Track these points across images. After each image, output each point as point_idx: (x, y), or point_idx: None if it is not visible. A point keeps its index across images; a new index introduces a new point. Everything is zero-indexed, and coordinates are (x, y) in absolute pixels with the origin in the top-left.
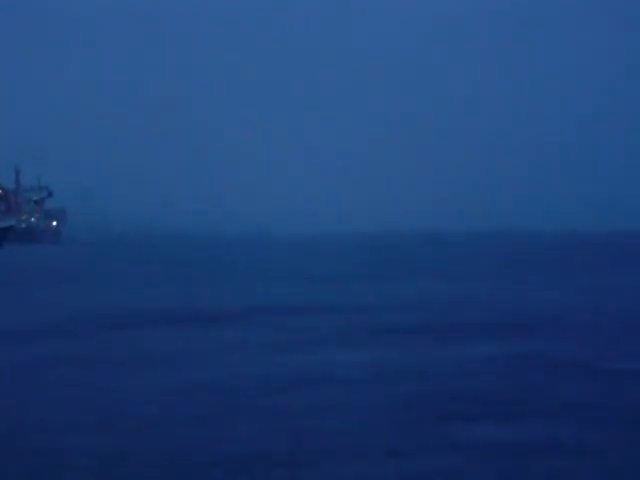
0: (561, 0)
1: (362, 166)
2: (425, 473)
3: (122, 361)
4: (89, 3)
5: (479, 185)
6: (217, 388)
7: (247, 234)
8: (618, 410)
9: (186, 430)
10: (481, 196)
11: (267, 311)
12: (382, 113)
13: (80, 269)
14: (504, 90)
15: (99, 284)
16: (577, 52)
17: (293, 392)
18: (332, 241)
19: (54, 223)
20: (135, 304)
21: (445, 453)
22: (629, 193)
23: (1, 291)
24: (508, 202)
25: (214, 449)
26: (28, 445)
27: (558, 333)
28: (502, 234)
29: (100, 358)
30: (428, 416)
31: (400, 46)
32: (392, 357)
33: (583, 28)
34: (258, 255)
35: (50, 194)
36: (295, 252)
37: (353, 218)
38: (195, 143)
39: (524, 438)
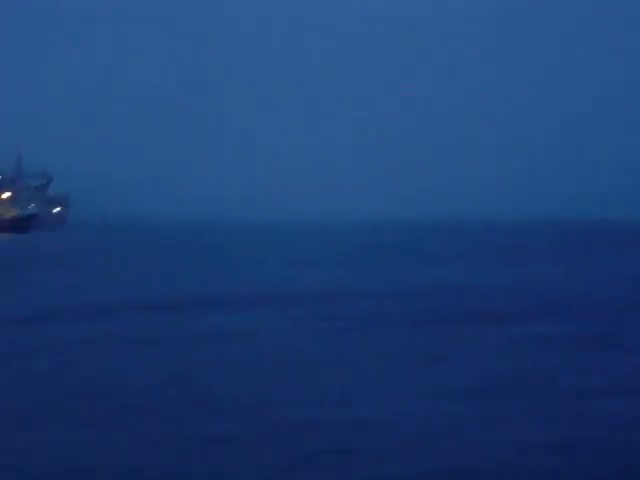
0: None
1: (363, 155)
2: None
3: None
4: None
5: (478, 174)
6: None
7: (251, 221)
8: None
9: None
10: (479, 185)
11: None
12: (379, 101)
13: (89, 257)
14: (502, 80)
15: (117, 271)
16: (577, 47)
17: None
18: (331, 229)
19: (57, 209)
20: (164, 290)
21: None
22: (621, 183)
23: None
24: (508, 192)
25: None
26: None
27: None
28: (497, 224)
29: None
30: None
31: (397, 40)
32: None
33: (582, 21)
34: (259, 242)
35: (50, 180)
36: (299, 239)
37: (350, 206)
38: (190, 132)
39: None
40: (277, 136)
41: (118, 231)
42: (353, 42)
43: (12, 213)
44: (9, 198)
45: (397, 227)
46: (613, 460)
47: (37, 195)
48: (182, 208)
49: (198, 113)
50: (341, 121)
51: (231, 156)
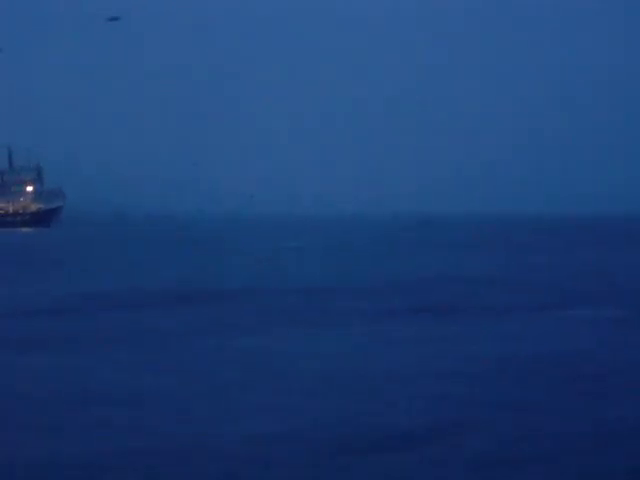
0: None
1: (356, 149)
2: None
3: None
4: None
5: (473, 169)
6: None
7: (240, 214)
8: None
9: None
10: (475, 180)
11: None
12: (373, 96)
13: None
14: (495, 74)
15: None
16: (576, 39)
17: None
18: (329, 223)
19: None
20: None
21: None
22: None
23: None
24: (501, 186)
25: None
26: None
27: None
28: (492, 218)
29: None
30: None
31: (390, 31)
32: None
33: (580, 15)
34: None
35: (39, 173)
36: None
37: (347, 200)
38: (191, 125)
39: None
40: (277, 132)
41: (118, 225)
42: (348, 39)
43: (35, 207)
44: (32, 192)
45: (384, 221)
46: None
47: (28, 190)
48: (180, 203)
49: (194, 106)
50: (334, 115)
51: (231, 150)
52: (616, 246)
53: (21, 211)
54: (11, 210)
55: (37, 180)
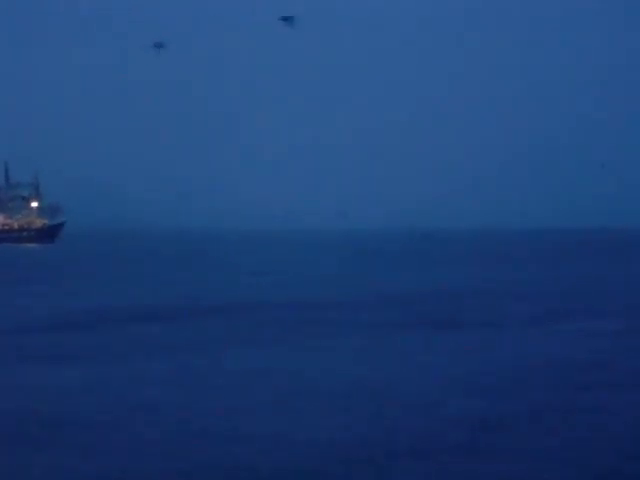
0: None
1: (358, 164)
2: None
3: None
4: None
5: (474, 183)
6: None
7: (253, 231)
8: None
9: None
10: (476, 195)
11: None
12: (375, 111)
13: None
14: (495, 91)
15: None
16: (573, 49)
17: None
18: (332, 237)
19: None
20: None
21: None
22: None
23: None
24: (501, 200)
25: None
26: None
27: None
28: (489, 232)
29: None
30: None
31: (394, 48)
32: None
33: (578, 24)
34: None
35: (37, 188)
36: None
37: (349, 215)
38: (187, 140)
39: None
40: (276, 146)
41: (118, 240)
42: (351, 50)
43: (40, 222)
44: (37, 207)
45: (387, 235)
46: None
47: (25, 205)
48: (176, 218)
49: (191, 120)
50: (337, 131)
51: (231, 165)
52: (613, 259)
53: (26, 227)
54: (16, 226)
55: (36, 195)
